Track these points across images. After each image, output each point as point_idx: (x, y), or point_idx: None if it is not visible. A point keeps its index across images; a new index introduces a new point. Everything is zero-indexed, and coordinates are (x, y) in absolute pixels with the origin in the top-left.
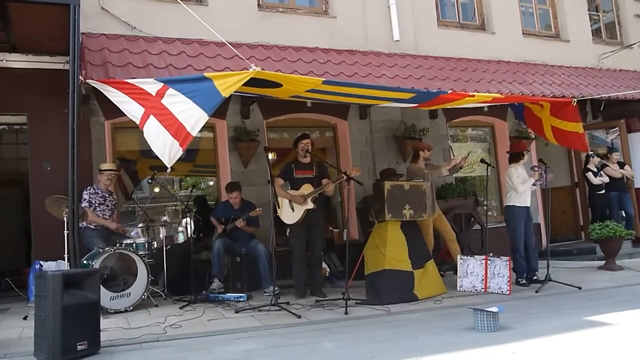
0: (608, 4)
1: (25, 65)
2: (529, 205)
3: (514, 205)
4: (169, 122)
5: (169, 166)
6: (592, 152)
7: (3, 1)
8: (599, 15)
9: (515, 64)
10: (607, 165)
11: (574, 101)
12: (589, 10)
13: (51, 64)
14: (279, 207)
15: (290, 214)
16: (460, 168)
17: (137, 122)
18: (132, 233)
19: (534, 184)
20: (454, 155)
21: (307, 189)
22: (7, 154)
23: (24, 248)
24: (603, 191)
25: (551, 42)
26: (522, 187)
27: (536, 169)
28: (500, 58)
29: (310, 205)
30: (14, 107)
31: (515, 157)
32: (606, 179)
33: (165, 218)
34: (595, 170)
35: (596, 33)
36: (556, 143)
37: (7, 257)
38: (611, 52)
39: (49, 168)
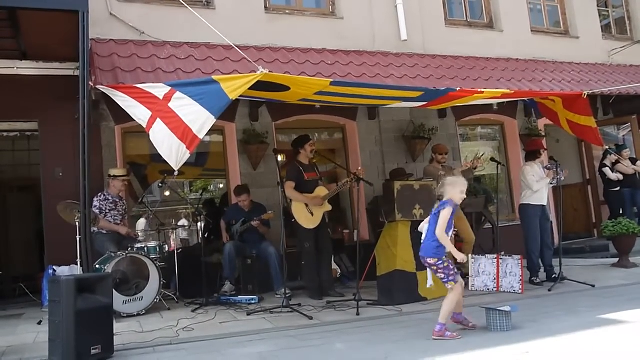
0: None
1: (35, 72)
2: (544, 204)
3: (529, 204)
4: (175, 125)
5: (176, 169)
6: (610, 147)
7: (13, 9)
8: (608, 11)
9: (524, 62)
10: (620, 162)
11: (585, 94)
12: (598, 5)
13: (61, 70)
14: (293, 212)
15: (310, 218)
16: (475, 169)
17: (144, 126)
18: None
19: (550, 183)
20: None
21: (321, 191)
22: (20, 160)
23: (37, 253)
24: (618, 188)
25: (560, 38)
26: (537, 186)
27: (549, 167)
28: (509, 56)
29: (328, 207)
30: (26, 114)
31: (531, 155)
32: (621, 176)
33: (182, 222)
34: (610, 166)
35: (606, 29)
36: (573, 134)
37: (21, 263)
38: (621, 47)
39: (60, 174)
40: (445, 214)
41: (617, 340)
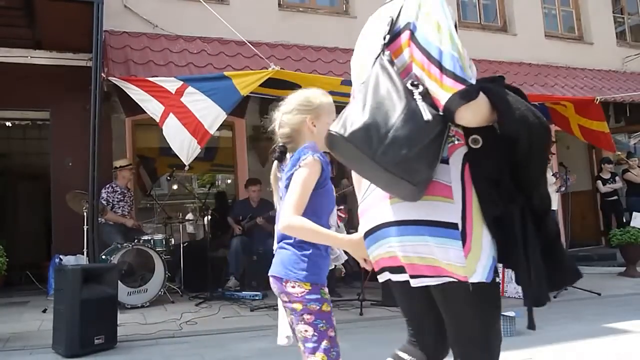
0: (634, 6)
1: (48, 62)
2: (554, 209)
3: None
4: (187, 120)
5: (187, 164)
6: (619, 153)
7: None
8: (623, 18)
9: (537, 66)
10: (629, 171)
11: (597, 99)
12: (613, 12)
13: (74, 60)
14: None
15: None
16: None
17: (157, 120)
18: None
19: (556, 191)
20: None
21: None
22: (30, 149)
23: (45, 242)
24: (615, 197)
25: (574, 44)
26: None
27: (557, 175)
28: (522, 60)
29: None
30: (37, 103)
31: None
32: (617, 185)
33: (189, 216)
34: (606, 178)
35: (620, 35)
36: (584, 140)
37: (28, 251)
38: (635, 55)
39: (70, 164)
40: (305, 178)
41: (621, 349)
